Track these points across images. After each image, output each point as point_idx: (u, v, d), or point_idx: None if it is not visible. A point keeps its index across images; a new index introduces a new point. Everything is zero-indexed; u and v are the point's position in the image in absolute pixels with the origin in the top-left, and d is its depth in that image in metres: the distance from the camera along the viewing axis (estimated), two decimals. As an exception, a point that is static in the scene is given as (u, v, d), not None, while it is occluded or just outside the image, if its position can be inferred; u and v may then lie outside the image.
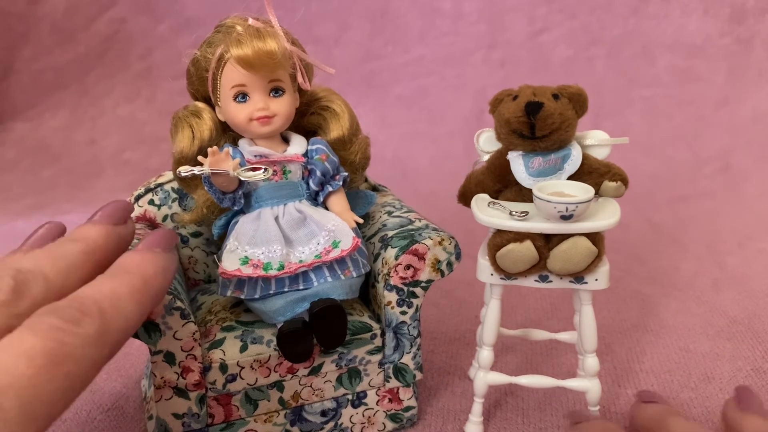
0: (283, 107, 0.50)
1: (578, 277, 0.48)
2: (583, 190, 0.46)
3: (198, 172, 0.46)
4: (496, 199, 0.51)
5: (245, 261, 0.47)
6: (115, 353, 0.31)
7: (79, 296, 0.30)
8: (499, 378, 0.52)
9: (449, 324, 0.73)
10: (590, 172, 0.49)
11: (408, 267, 0.49)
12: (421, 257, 0.49)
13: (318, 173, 0.51)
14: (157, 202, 0.55)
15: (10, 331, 0.27)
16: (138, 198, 0.55)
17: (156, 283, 0.34)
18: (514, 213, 0.46)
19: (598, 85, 1.41)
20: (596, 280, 0.48)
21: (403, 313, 0.50)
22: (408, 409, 0.54)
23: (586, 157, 0.49)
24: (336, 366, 0.50)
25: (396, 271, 0.49)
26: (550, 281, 0.48)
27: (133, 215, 0.54)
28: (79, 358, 0.27)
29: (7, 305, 0.28)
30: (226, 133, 0.52)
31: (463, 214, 0.54)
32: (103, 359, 0.29)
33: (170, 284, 0.36)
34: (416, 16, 1.54)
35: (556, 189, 0.47)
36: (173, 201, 0.56)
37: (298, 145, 0.52)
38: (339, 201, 0.52)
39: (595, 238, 0.46)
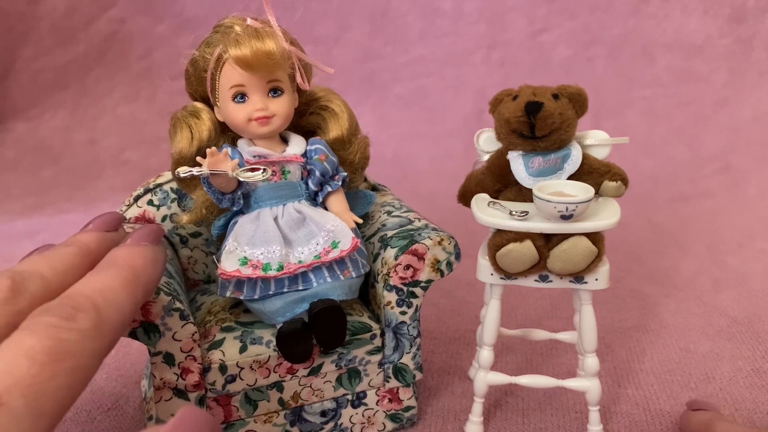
0: (281, 107, 0.50)
1: (578, 277, 0.47)
2: (583, 190, 0.46)
3: (197, 173, 0.46)
4: (496, 199, 0.51)
5: (244, 261, 0.47)
6: (114, 345, 0.32)
7: (71, 293, 0.31)
8: (499, 378, 0.52)
9: (449, 324, 0.73)
10: (590, 172, 0.49)
11: (407, 267, 0.49)
12: (420, 257, 0.49)
13: (317, 173, 0.51)
14: (156, 202, 0.55)
15: (12, 328, 0.28)
16: (137, 198, 0.55)
17: (146, 274, 0.35)
18: (514, 213, 0.46)
19: (598, 85, 1.40)
20: (596, 280, 0.48)
21: (403, 313, 0.50)
22: (408, 409, 0.54)
23: (586, 157, 0.49)
24: (336, 366, 0.49)
25: (395, 271, 0.49)
26: (550, 281, 0.48)
27: (132, 215, 0.54)
28: (78, 352, 0.28)
29: (7, 303, 0.29)
30: (225, 134, 0.52)
31: (463, 214, 0.54)
32: (102, 351, 0.30)
33: (161, 275, 0.38)
34: (416, 16, 1.54)
35: (556, 189, 0.47)
36: (172, 201, 0.56)
37: (297, 145, 0.52)
38: (338, 201, 0.52)
39: (595, 238, 0.46)
